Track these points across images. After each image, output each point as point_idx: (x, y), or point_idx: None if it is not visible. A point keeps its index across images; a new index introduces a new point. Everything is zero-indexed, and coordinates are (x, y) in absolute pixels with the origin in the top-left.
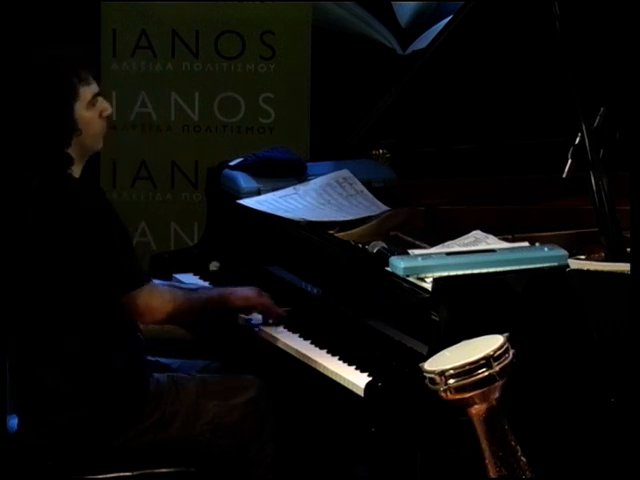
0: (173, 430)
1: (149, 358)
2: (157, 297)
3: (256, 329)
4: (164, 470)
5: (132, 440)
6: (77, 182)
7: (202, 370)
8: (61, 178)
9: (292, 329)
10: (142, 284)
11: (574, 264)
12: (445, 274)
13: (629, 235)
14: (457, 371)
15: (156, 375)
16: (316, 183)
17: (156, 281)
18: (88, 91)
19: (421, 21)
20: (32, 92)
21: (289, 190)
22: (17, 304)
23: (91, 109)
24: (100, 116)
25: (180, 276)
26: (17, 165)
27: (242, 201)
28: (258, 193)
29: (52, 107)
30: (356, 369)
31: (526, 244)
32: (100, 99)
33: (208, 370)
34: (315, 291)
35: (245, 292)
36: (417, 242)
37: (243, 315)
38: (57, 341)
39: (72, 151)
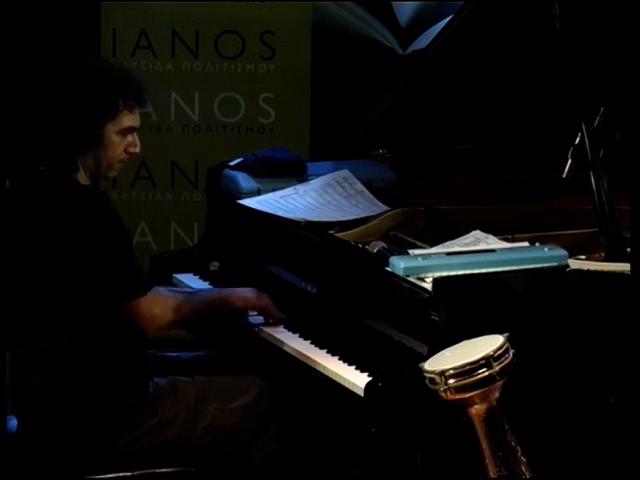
0: (172, 433)
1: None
2: (160, 304)
3: (256, 329)
4: (164, 470)
5: (131, 442)
6: (83, 187)
7: (201, 361)
8: (68, 182)
9: (292, 329)
10: (145, 292)
11: (574, 264)
12: (445, 274)
13: (629, 235)
14: (457, 371)
15: (155, 379)
16: (316, 183)
17: (160, 288)
18: (126, 120)
19: (421, 21)
20: (76, 90)
21: (289, 190)
22: (18, 306)
23: (120, 137)
24: (126, 149)
25: (180, 276)
26: (28, 155)
27: (242, 201)
28: (258, 193)
29: (85, 111)
30: (356, 369)
31: (526, 244)
32: (134, 135)
33: (208, 361)
34: (315, 291)
35: (244, 293)
36: (417, 242)
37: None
38: (55, 344)
39: (86, 162)
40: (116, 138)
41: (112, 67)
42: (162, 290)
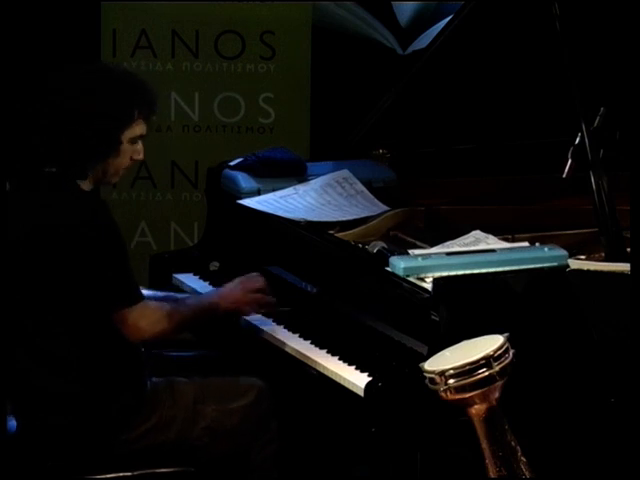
0: (171, 434)
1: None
2: (147, 317)
3: (256, 329)
4: (163, 470)
5: (130, 443)
6: (83, 191)
7: (201, 360)
8: (69, 184)
9: (292, 329)
10: (133, 303)
11: (574, 264)
12: (445, 274)
13: (629, 235)
14: (457, 371)
15: (154, 379)
16: (316, 183)
17: (147, 292)
18: (139, 129)
19: (421, 21)
20: (97, 94)
21: (289, 190)
22: (18, 306)
23: (130, 145)
24: (131, 157)
25: (180, 276)
26: (40, 159)
27: (242, 201)
28: (258, 193)
29: (105, 117)
30: (356, 369)
31: (526, 244)
32: (140, 143)
33: (207, 360)
34: (315, 291)
35: (233, 294)
36: (417, 242)
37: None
38: (55, 344)
39: (96, 169)
40: (127, 146)
41: (129, 76)
42: (151, 302)
